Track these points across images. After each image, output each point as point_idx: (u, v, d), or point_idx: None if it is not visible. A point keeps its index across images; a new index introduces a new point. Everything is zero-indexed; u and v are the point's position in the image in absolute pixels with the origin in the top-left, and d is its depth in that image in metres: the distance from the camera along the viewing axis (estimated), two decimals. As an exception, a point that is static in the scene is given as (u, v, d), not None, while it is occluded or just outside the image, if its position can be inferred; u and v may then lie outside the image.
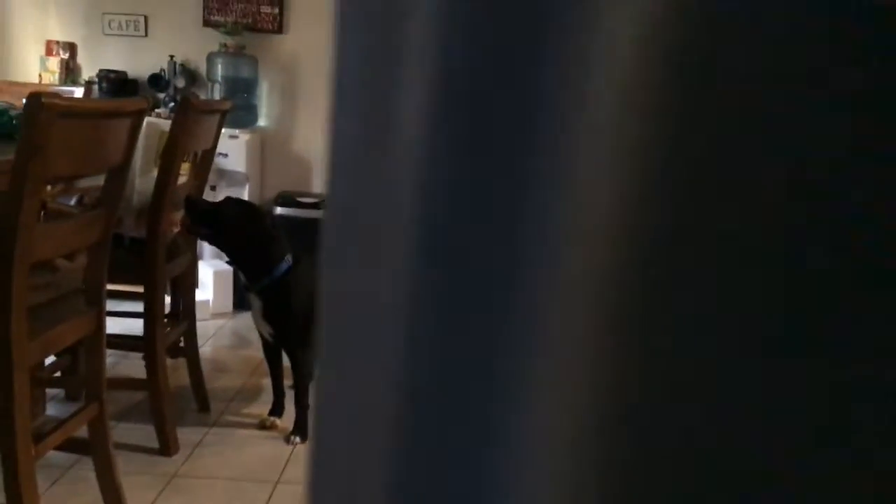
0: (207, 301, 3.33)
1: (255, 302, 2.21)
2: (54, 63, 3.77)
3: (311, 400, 2.35)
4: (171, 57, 3.71)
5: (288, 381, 2.37)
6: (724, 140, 0.13)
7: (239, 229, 2.12)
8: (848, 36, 0.12)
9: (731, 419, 0.13)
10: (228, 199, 2.23)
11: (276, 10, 3.71)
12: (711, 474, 0.13)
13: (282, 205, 3.44)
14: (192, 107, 2.05)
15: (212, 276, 3.38)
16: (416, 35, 0.18)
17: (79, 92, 3.33)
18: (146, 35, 3.78)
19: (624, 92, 0.14)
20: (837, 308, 0.12)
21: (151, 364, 2.08)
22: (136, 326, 2.18)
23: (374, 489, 0.20)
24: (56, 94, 1.37)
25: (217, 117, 2.33)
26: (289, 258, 2.17)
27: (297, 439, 2.26)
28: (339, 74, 0.22)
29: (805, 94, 0.12)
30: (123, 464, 1.91)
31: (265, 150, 3.78)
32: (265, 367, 2.41)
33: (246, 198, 3.54)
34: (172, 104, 3.49)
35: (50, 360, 2.20)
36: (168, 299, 2.36)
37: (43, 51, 3.81)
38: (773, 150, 0.12)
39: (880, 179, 0.12)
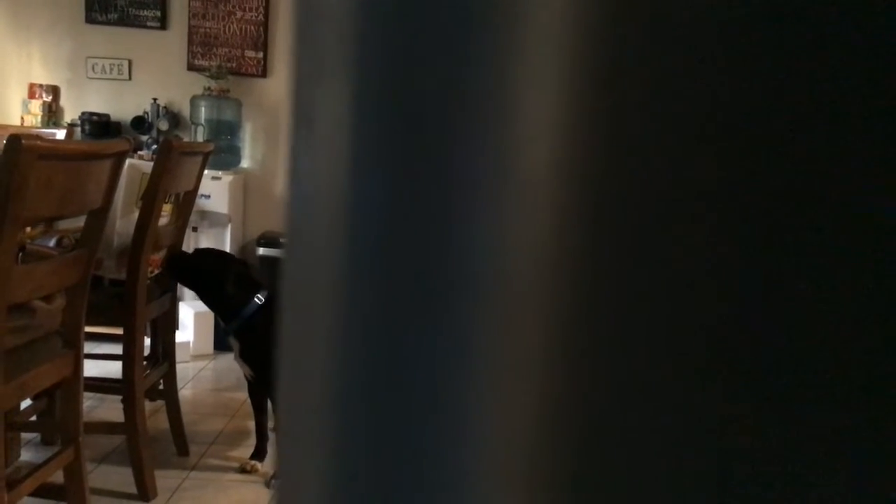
0: (188, 342, 3.30)
1: (234, 344, 2.23)
2: (37, 106, 3.78)
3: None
4: (155, 100, 3.73)
5: (273, 424, 2.34)
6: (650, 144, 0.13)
7: (208, 275, 2.20)
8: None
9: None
10: (197, 250, 2.35)
11: (261, 55, 3.75)
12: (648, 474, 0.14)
13: (264, 245, 3.44)
14: (173, 148, 2.06)
15: (192, 317, 3.36)
16: (336, 52, 0.18)
17: (61, 134, 3.33)
18: (130, 78, 3.80)
19: (549, 104, 0.14)
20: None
21: (130, 407, 2.05)
22: (114, 369, 2.15)
23: None
24: (37, 136, 1.37)
25: (199, 159, 2.34)
26: (260, 297, 2.20)
27: (278, 483, 2.22)
28: (290, 103, 0.22)
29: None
30: (99, 510, 1.87)
31: (248, 191, 3.79)
32: (247, 409, 2.38)
33: (227, 238, 3.55)
34: (155, 146, 3.50)
35: (26, 403, 2.16)
36: (147, 341, 2.34)
37: (26, 94, 3.82)
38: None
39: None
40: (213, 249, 2.42)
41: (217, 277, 2.19)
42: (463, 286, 0.16)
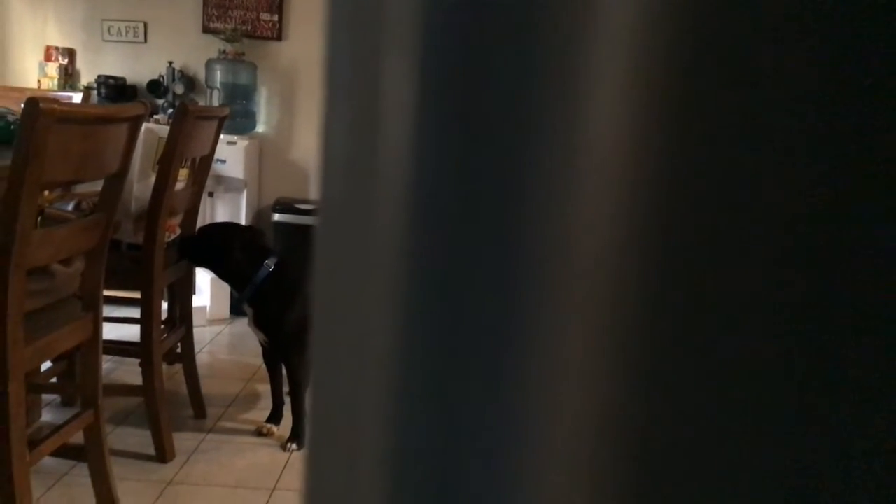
0: (205, 307, 3.33)
1: (248, 310, 2.25)
2: (53, 69, 3.77)
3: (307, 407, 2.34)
4: (170, 63, 3.72)
5: (287, 388, 2.37)
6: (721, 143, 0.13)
7: (216, 250, 2.22)
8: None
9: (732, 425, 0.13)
10: (201, 228, 2.34)
11: (276, 18, 3.71)
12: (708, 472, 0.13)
13: (280, 211, 3.44)
14: (189, 113, 2.05)
15: (209, 282, 3.38)
16: (400, 33, 0.18)
17: (77, 97, 3.33)
18: (145, 41, 3.78)
19: (620, 86, 0.14)
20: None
21: (148, 370, 2.07)
22: (132, 332, 2.17)
23: (373, 497, 0.20)
24: (54, 100, 1.37)
25: (215, 123, 2.33)
26: (270, 263, 2.20)
27: (294, 447, 2.25)
28: (329, 75, 0.22)
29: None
30: (119, 470, 1.90)
31: (263, 157, 3.79)
32: (263, 373, 2.41)
33: (243, 204, 3.55)
34: (171, 110, 3.49)
35: (46, 365, 2.20)
36: (165, 305, 2.36)
37: (42, 56, 3.81)
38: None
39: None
40: (216, 223, 2.45)
41: (224, 250, 2.20)
42: (526, 274, 0.15)
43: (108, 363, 2.68)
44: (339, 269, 0.21)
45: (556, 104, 0.15)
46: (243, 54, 3.64)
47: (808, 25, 0.12)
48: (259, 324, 2.24)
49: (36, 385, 2.11)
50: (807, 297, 0.12)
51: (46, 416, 2.31)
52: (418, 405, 0.18)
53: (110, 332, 2.10)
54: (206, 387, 2.53)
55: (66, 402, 2.40)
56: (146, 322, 2.07)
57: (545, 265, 0.15)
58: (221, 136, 2.45)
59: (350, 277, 0.21)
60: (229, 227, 2.37)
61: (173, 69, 3.72)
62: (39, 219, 1.50)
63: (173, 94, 3.65)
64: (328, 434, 0.23)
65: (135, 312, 2.12)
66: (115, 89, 3.65)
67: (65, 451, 1.68)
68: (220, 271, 2.25)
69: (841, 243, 0.12)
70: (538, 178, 0.15)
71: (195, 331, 2.48)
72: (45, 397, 2.38)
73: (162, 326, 2.24)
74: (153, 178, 2.09)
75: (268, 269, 2.21)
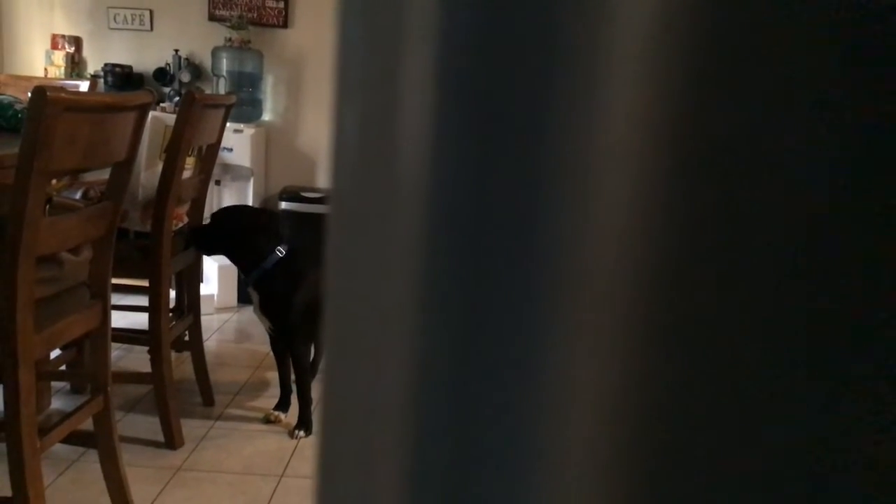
0: (212, 295, 3.34)
1: (254, 296, 2.24)
2: (60, 57, 3.77)
3: (317, 396, 2.36)
4: (176, 51, 3.71)
5: (294, 376, 2.38)
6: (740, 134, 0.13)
7: (228, 233, 2.20)
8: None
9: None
10: (213, 214, 2.30)
11: (282, 5, 3.70)
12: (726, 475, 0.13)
13: (286, 199, 3.44)
14: (196, 101, 2.05)
15: (216, 270, 3.39)
16: (418, 24, 0.18)
17: (84, 86, 3.33)
18: (151, 29, 3.78)
19: (639, 78, 0.13)
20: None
21: (156, 357, 2.08)
22: (141, 320, 2.19)
23: (390, 486, 0.20)
24: (61, 88, 1.37)
25: (222, 111, 2.33)
26: (281, 249, 2.20)
27: (301, 434, 2.26)
28: (342, 66, 0.22)
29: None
30: (128, 456, 1.92)
31: (270, 145, 3.78)
32: (270, 360, 2.42)
33: (250, 192, 3.55)
34: (177, 98, 3.49)
35: (55, 353, 2.21)
36: (173, 293, 2.37)
37: (48, 45, 3.81)
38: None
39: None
40: (232, 207, 2.39)
41: (239, 231, 2.19)
42: (543, 274, 0.15)
43: (116, 351, 2.70)
44: (353, 269, 0.21)
45: (575, 103, 0.15)
46: (249, 42, 3.64)
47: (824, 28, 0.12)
48: (264, 309, 2.24)
49: (46, 372, 2.13)
50: (823, 313, 0.12)
51: (56, 404, 2.33)
52: (435, 398, 0.18)
53: (119, 320, 2.11)
54: (214, 374, 2.55)
55: (76, 390, 2.41)
56: (154, 310, 2.08)
57: (562, 264, 0.15)
58: (228, 125, 2.45)
59: (364, 278, 0.21)
60: (245, 211, 2.32)
61: (179, 57, 3.71)
62: (48, 207, 1.50)
63: (179, 82, 3.65)
64: (340, 425, 0.23)
65: (143, 300, 2.13)
66: (121, 77, 3.65)
67: (75, 438, 1.70)
68: (233, 254, 2.23)
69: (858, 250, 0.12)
70: (556, 177, 0.15)
71: (203, 319, 2.49)
72: (55, 384, 2.40)
73: (170, 314, 2.25)
74: (160, 167, 2.09)
75: (278, 256, 2.20)
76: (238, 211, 2.30)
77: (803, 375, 0.12)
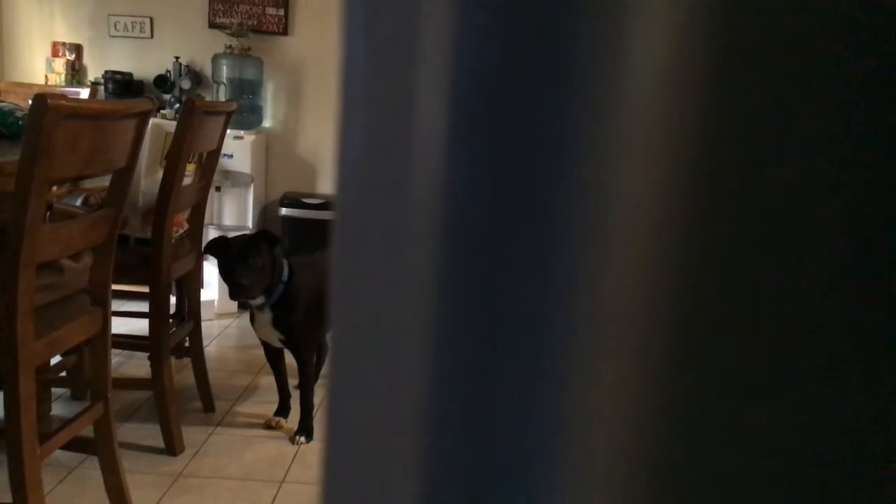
0: (213, 301, 3.34)
1: (265, 315, 2.21)
2: (60, 64, 3.78)
3: (319, 401, 2.36)
4: (177, 58, 3.72)
5: (294, 381, 2.38)
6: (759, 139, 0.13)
7: (252, 267, 2.09)
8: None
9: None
10: (243, 246, 2.12)
11: (282, 12, 3.71)
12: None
13: (287, 205, 3.45)
14: (196, 108, 2.06)
15: (217, 276, 3.39)
16: (430, 33, 0.18)
17: (85, 93, 3.34)
18: (152, 36, 3.79)
19: (658, 85, 0.14)
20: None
21: (157, 364, 2.09)
22: (141, 326, 2.18)
23: (398, 497, 0.20)
24: (62, 96, 1.37)
25: (222, 118, 2.34)
26: (285, 266, 2.20)
27: (302, 439, 2.26)
28: (348, 75, 0.21)
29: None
30: (129, 463, 1.91)
31: (270, 151, 3.79)
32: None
33: (250, 198, 3.56)
34: (178, 105, 3.50)
35: (56, 359, 2.21)
36: (173, 299, 2.37)
37: (49, 52, 3.82)
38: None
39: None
40: (237, 240, 2.18)
41: (258, 265, 2.09)
42: (559, 286, 0.15)
43: (117, 357, 2.70)
44: (361, 274, 0.21)
45: (591, 113, 0.15)
46: (249, 49, 3.65)
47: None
48: (278, 325, 2.23)
49: (46, 379, 2.13)
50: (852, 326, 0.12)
51: (57, 410, 2.33)
52: (446, 406, 0.18)
53: (119, 326, 2.11)
54: (215, 380, 2.55)
55: (76, 396, 2.41)
56: (155, 316, 2.08)
57: (578, 278, 0.15)
58: (228, 131, 2.46)
59: (372, 282, 0.21)
60: (252, 242, 2.14)
61: (180, 64, 3.72)
62: (48, 214, 1.51)
63: (180, 90, 3.66)
64: (347, 431, 0.23)
65: (143, 307, 2.13)
66: (122, 85, 3.66)
67: (75, 444, 1.69)
68: (265, 285, 2.14)
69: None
70: (570, 189, 0.15)
71: (203, 325, 2.49)
72: (55, 391, 2.40)
73: (170, 320, 2.25)
74: (160, 174, 2.09)
75: (289, 271, 2.20)
76: (256, 239, 2.15)
77: (823, 381, 0.12)
